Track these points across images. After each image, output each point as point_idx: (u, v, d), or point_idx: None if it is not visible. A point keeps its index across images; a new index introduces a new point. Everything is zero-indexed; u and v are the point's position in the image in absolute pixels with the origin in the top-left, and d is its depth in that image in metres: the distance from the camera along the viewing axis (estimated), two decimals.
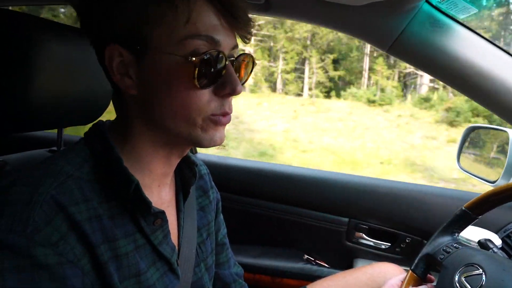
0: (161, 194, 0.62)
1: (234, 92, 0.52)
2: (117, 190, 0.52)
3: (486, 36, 0.89)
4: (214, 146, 0.55)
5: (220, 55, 0.50)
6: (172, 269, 0.59)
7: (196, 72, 0.48)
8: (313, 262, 1.30)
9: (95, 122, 0.59)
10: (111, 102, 0.65)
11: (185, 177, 0.67)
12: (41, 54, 0.66)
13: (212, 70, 0.50)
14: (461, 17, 0.86)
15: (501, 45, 0.91)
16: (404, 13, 0.86)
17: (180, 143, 0.58)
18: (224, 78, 0.52)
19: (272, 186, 1.36)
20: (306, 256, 1.32)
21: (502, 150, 1.28)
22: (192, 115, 0.51)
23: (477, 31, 0.89)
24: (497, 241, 0.91)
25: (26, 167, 0.51)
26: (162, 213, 0.56)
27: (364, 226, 1.30)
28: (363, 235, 1.31)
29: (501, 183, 1.20)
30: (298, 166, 1.50)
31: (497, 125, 1.36)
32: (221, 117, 0.53)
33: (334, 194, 1.30)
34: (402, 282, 0.83)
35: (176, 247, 0.62)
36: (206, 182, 0.78)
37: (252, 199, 1.37)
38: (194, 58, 0.48)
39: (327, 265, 1.30)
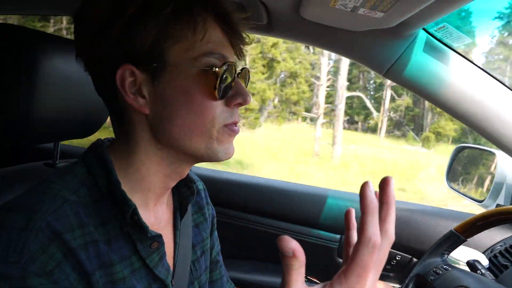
0: (157, 213, 0.61)
1: (246, 102, 0.55)
2: (114, 213, 0.52)
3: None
4: (228, 158, 0.57)
5: (232, 69, 0.53)
6: None
7: (217, 83, 0.51)
8: (304, 278, 1.31)
9: (93, 141, 0.58)
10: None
11: (182, 195, 0.67)
12: (40, 67, 0.66)
13: (226, 82, 0.53)
14: (455, 45, 0.90)
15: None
16: (402, 39, 0.89)
17: (188, 161, 0.58)
18: (234, 89, 0.55)
19: (265, 201, 1.36)
20: None
21: (490, 170, 1.32)
22: (208, 126, 0.53)
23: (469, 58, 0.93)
24: (484, 261, 0.94)
25: (22, 193, 0.49)
26: (159, 236, 0.55)
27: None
28: None
29: (488, 202, 1.23)
30: (292, 182, 1.50)
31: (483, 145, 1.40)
32: (233, 126, 0.56)
33: (326, 210, 1.32)
34: None
35: (171, 267, 0.62)
36: (202, 198, 0.78)
37: (246, 214, 1.37)
38: (217, 69, 0.51)
39: (318, 281, 1.32)
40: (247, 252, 1.38)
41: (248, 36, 0.58)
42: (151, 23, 0.49)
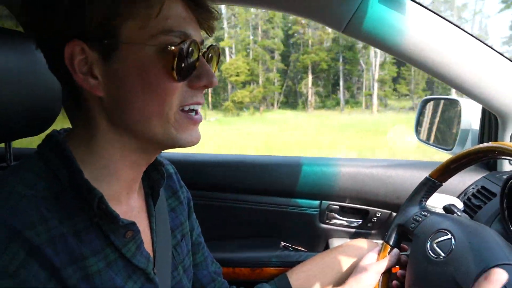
0: (130, 202, 0.58)
1: (211, 84, 0.52)
2: (80, 204, 0.48)
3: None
4: (193, 145, 0.54)
5: (194, 47, 0.49)
6: (149, 278, 0.56)
7: (174, 63, 0.47)
8: (290, 248, 1.31)
9: (48, 132, 0.54)
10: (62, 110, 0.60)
11: (153, 179, 0.64)
12: None
13: (188, 62, 0.49)
14: None
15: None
16: None
17: (152, 148, 0.55)
18: (198, 70, 0.51)
19: (241, 178, 1.35)
20: (282, 244, 1.33)
21: (455, 119, 1.35)
22: (165, 110, 0.49)
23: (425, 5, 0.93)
24: (460, 204, 0.97)
25: None
26: (133, 224, 0.52)
27: (335, 206, 1.33)
28: (335, 215, 1.34)
29: (457, 149, 1.27)
30: (265, 154, 1.49)
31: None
32: (194, 115, 0.53)
33: (302, 178, 1.31)
34: (378, 254, 0.86)
35: (151, 254, 0.59)
36: (174, 182, 0.75)
37: (223, 193, 1.35)
38: (173, 47, 0.47)
39: (304, 249, 1.32)
40: (229, 232, 1.37)
41: (216, 10, 0.54)
42: None
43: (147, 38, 0.47)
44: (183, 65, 0.48)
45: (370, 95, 27.76)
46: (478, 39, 0.95)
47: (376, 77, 27.57)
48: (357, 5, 0.89)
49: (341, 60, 28.86)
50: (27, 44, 0.72)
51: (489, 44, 0.95)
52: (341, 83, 28.91)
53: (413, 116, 1.58)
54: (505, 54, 0.96)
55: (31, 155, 0.51)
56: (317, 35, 28.82)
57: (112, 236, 0.51)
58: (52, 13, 0.46)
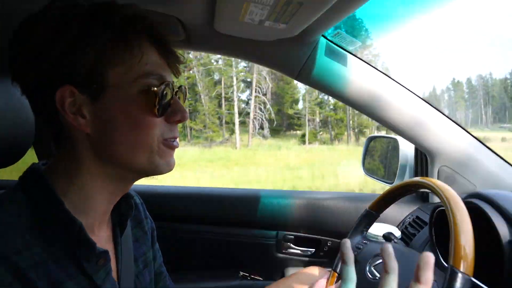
0: (100, 232, 0.62)
1: (184, 118, 0.59)
2: (59, 233, 0.52)
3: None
4: (169, 171, 0.60)
5: (169, 88, 0.57)
6: None
7: (156, 101, 0.54)
8: (248, 278, 1.36)
9: (29, 166, 0.57)
10: None
11: (121, 210, 0.67)
12: None
13: (165, 100, 0.56)
14: (349, 48, 1.04)
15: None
16: (306, 46, 1.01)
17: (131, 177, 0.60)
18: (173, 107, 0.59)
19: (201, 209, 1.39)
20: (241, 273, 1.37)
21: (395, 155, 1.51)
22: (149, 142, 0.56)
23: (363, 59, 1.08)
24: (397, 232, 1.08)
25: None
26: (106, 252, 0.56)
27: (291, 236, 1.40)
28: (291, 244, 1.42)
29: (397, 182, 1.41)
30: (226, 187, 1.55)
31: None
32: (173, 142, 0.59)
33: (260, 210, 1.38)
34: (327, 282, 0.94)
35: (116, 281, 0.62)
36: (140, 212, 0.79)
37: (185, 224, 1.38)
38: (155, 89, 0.54)
39: (261, 278, 1.37)
40: (190, 262, 1.39)
41: (182, 55, 0.62)
42: (89, 48, 0.51)
43: (131, 81, 0.53)
44: (162, 102, 0.56)
45: None
46: (409, 90, 1.11)
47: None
48: (307, 56, 1.03)
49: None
50: (0, 80, 0.75)
51: (417, 94, 1.12)
52: None
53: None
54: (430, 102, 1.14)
55: (14, 187, 0.54)
56: None
57: (86, 263, 0.54)
58: (42, 62, 0.51)
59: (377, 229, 1.08)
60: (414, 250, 0.90)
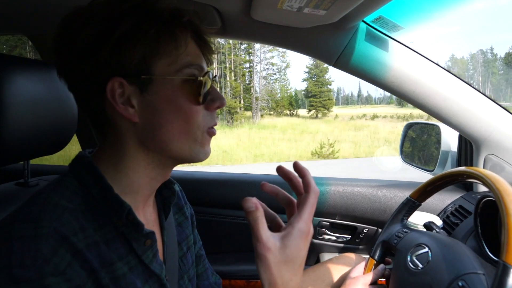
0: (146, 215, 0.66)
1: (222, 104, 0.62)
2: (109, 216, 0.56)
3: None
4: (207, 158, 0.63)
5: (208, 77, 0.60)
6: (163, 284, 0.63)
7: (200, 90, 0.58)
8: None
9: (77, 154, 0.61)
10: None
11: (164, 196, 0.71)
12: (6, 89, 0.68)
13: (206, 89, 0.59)
14: (391, 33, 1.00)
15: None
16: (345, 32, 0.98)
17: (172, 164, 0.63)
18: (212, 94, 0.61)
19: (238, 195, 1.42)
20: None
21: (436, 142, 1.46)
22: (194, 130, 0.59)
23: (406, 43, 1.04)
24: (439, 222, 1.06)
25: (21, 206, 0.52)
26: (153, 233, 0.60)
27: (326, 223, 1.41)
28: (326, 230, 1.42)
29: (438, 171, 1.37)
30: (262, 173, 1.57)
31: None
32: (213, 129, 0.62)
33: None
34: (364, 268, 0.94)
35: (162, 262, 0.66)
36: (180, 199, 0.83)
37: (221, 209, 1.42)
38: (200, 78, 0.58)
39: None
40: (226, 245, 1.44)
41: (215, 45, 0.65)
42: (138, 44, 0.53)
43: (175, 72, 0.56)
44: (203, 91, 0.58)
45: None
46: (453, 74, 1.06)
47: None
48: (346, 42, 1.01)
49: None
50: (47, 72, 0.81)
51: (463, 79, 1.07)
52: None
53: None
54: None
55: (65, 175, 0.58)
56: None
57: (134, 243, 0.58)
58: (92, 59, 0.53)
59: (417, 217, 1.06)
60: (455, 239, 0.88)
